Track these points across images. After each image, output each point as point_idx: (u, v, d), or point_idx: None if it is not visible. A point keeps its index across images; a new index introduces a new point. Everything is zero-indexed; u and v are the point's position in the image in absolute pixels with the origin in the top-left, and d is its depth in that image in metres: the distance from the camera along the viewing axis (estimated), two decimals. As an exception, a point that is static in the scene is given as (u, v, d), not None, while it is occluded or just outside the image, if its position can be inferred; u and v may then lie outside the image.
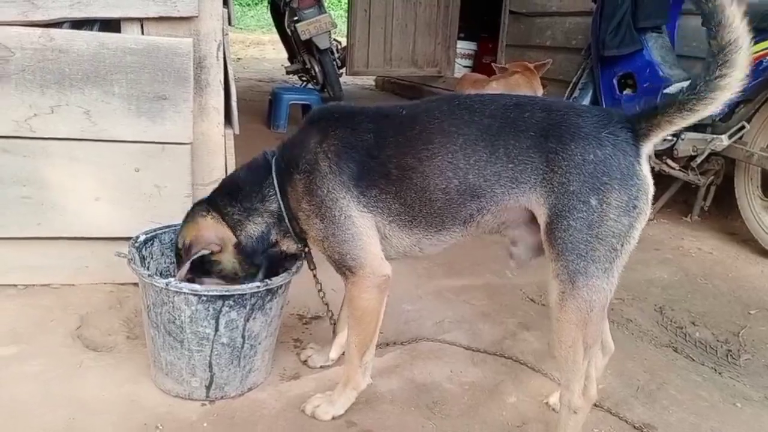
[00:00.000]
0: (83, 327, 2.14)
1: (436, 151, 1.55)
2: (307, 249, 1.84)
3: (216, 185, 1.87)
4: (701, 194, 3.68)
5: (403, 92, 8.38)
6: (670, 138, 3.61)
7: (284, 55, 8.15)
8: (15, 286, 2.31)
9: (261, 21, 14.79)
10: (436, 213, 1.59)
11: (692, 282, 2.94)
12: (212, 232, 1.75)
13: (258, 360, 1.84)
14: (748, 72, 1.34)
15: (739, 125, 3.26)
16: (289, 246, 1.81)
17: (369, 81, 9.32)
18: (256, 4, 15.93)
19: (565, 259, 1.44)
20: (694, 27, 3.68)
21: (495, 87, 4.29)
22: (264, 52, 12.26)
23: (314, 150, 1.64)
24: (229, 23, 2.31)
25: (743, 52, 1.32)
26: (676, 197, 3.88)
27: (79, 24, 2.14)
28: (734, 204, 3.41)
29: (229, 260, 1.79)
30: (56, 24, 2.10)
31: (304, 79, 7.52)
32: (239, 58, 11.27)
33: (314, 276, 1.93)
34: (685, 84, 3.50)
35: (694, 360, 2.26)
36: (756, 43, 3.17)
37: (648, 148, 1.46)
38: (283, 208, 1.72)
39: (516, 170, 1.50)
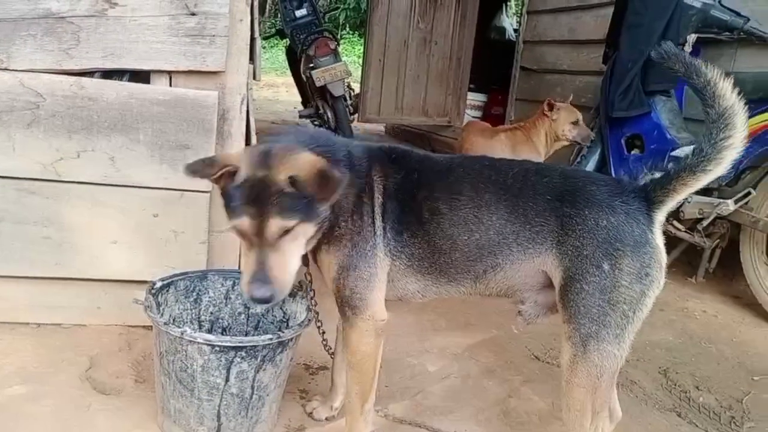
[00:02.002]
0: (93, 369, 2.17)
1: (466, 202, 1.61)
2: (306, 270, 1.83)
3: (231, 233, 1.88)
4: (706, 256, 3.72)
5: (412, 139, 8.50)
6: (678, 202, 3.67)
7: (297, 97, 8.31)
8: (28, 324, 2.35)
9: (275, 63, 15.10)
10: (453, 264, 1.64)
11: (696, 345, 2.95)
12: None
13: (265, 411, 1.86)
14: (747, 131, 1.45)
15: (745, 191, 3.31)
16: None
17: (379, 127, 9.46)
18: (272, 47, 16.28)
19: (578, 323, 1.49)
20: (702, 92, 3.77)
21: (502, 138, 4.40)
22: (278, 94, 12.48)
23: (372, 178, 1.65)
24: (254, 78, 2.39)
25: (740, 115, 1.45)
26: (681, 258, 3.91)
27: (109, 73, 2.23)
28: (739, 267, 3.44)
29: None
30: (88, 73, 2.19)
31: (316, 123, 7.65)
32: (253, 99, 11.46)
33: (317, 322, 1.94)
34: (691, 148, 3.60)
35: (697, 426, 2.26)
36: (762, 112, 3.28)
37: (662, 215, 1.53)
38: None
39: (533, 231, 1.56)
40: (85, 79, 2.16)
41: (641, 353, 2.79)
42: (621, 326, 1.48)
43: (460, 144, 4.58)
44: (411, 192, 1.65)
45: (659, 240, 1.52)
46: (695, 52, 4.09)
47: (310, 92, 7.36)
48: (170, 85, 2.25)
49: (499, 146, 4.28)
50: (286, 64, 8.65)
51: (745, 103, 3.40)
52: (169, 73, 2.24)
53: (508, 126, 4.99)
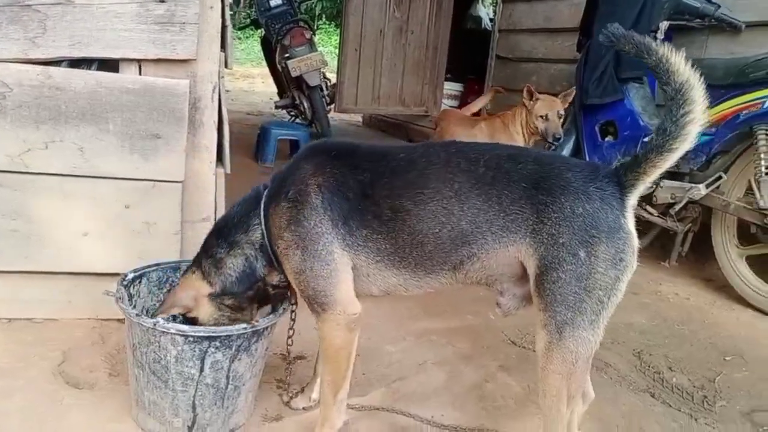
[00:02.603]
0: (65, 363, 2.14)
1: (432, 196, 1.59)
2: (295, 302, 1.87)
3: (204, 222, 1.89)
4: (679, 240, 3.77)
5: (389, 130, 8.50)
6: (649, 185, 3.72)
7: (273, 88, 8.25)
8: (-1, 319, 2.31)
9: (251, 54, 14.96)
10: (427, 256, 1.62)
11: (670, 327, 2.99)
12: (186, 291, 1.78)
13: (241, 401, 1.85)
14: (707, 104, 1.44)
15: (716, 175, 3.36)
16: (274, 279, 1.80)
17: (357, 118, 9.43)
18: (247, 37, 16.13)
19: (553, 310, 1.49)
20: (674, 79, 3.82)
21: (483, 127, 4.39)
22: (253, 85, 12.38)
23: (307, 182, 1.65)
24: (226, 66, 2.37)
25: (697, 88, 1.43)
26: (653, 242, 3.96)
27: (77, 62, 2.19)
28: (711, 251, 3.49)
29: (207, 313, 1.81)
30: (55, 62, 2.14)
31: (292, 114, 7.60)
32: (228, 90, 11.33)
33: (292, 312, 1.94)
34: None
35: (671, 406, 2.30)
36: (733, 97, 3.33)
37: (634, 199, 1.53)
38: (265, 236, 1.72)
39: (507, 219, 1.55)
40: (52, 69, 2.12)
41: (615, 336, 2.83)
42: (596, 312, 1.49)
43: (439, 134, 4.55)
44: (362, 189, 1.64)
45: (631, 225, 1.53)
46: (667, 39, 4.13)
47: (286, 83, 7.30)
48: (140, 74, 2.22)
49: (479, 135, 4.26)
50: (261, 54, 8.57)
51: (716, 89, 3.44)
52: (139, 61, 2.21)
53: (483, 117, 5.00)
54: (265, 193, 1.76)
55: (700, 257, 3.82)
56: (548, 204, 1.51)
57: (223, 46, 2.34)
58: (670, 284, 3.57)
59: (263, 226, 1.73)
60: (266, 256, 1.76)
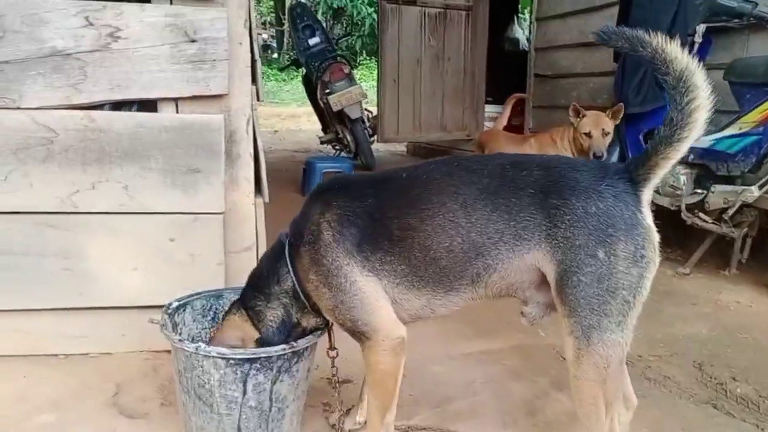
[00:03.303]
0: (119, 394, 2.20)
1: (437, 210, 1.58)
2: (330, 324, 1.88)
3: (247, 252, 1.94)
4: (737, 247, 3.62)
5: (433, 156, 8.52)
6: (700, 191, 3.61)
7: (318, 126, 8.43)
8: (56, 356, 2.40)
9: (295, 95, 15.34)
10: (443, 272, 1.61)
11: (731, 336, 2.86)
12: (233, 332, 1.81)
13: (286, 424, 1.86)
14: (710, 89, 1.41)
15: (769, 176, 3.24)
16: (310, 322, 1.84)
17: (401, 147, 9.51)
18: (292, 79, 16.58)
19: (578, 315, 1.44)
20: (716, 81, 3.72)
21: (532, 144, 4.37)
22: (299, 124, 12.66)
23: (317, 221, 1.69)
24: (258, 99, 2.44)
25: (698, 73, 1.40)
26: (713, 251, 3.82)
27: (118, 105, 2.30)
28: (772, 255, 3.35)
29: None
30: (98, 106, 2.26)
31: (337, 148, 7.75)
32: (276, 131, 11.67)
33: (330, 356, 1.93)
34: (710, 137, 3.53)
35: (734, 417, 2.19)
36: (774, 95, 3.21)
37: (648, 194, 1.49)
38: (296, 283, 1.75)
39: (518, 227, 1.52)
40: (94, 112, 2.23)
41: (674, 348, 2.72)
42: (623, 313, 1.44)
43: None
44: (370, 215, 1.65)
45: (649, 219, 1.48)
46: (707, 43, 4.05)
47: (329, 117, 7.47)
48: (177, 112, 2.31)
49: (529, 152, 4.22)
50: (305, 95, 8.78)
51: (760, 87, 3.33)
52: (175, 99, 2.30)
53: (532, 133, 4.98)
54: (286, 241, 1.80)
55: (762, 263, 3.66)
56: (559, 207, 1.48)
57: (254, 79, 2.41)
58: (731, 292, 3.42)
59: (292, 274, 1.76)
60: (300, 302, 1.79)
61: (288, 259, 1.76)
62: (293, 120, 13.25)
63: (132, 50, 2.22)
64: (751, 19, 3.87)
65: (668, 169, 1.47)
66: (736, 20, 3.97)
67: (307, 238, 1.71)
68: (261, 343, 1.79)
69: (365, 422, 2.02)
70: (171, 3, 2.28)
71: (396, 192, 1.67)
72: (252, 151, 2.42)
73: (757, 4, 3.82)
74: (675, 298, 3.34)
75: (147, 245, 2.33)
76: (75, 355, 2.41)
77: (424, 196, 1.61)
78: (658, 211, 3.98)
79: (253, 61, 2.40)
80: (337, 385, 1.95)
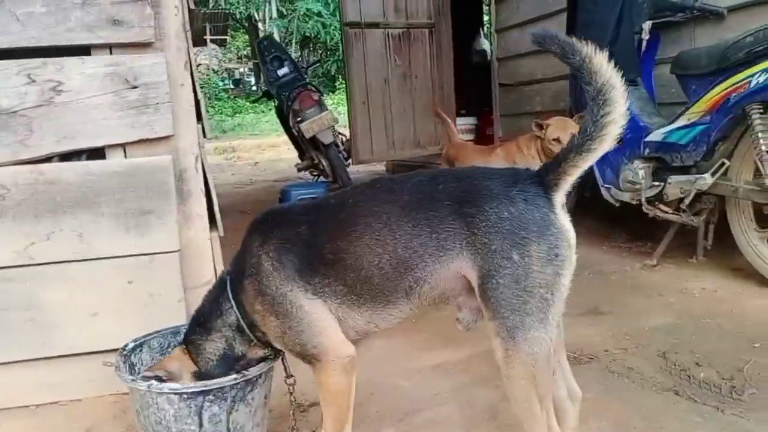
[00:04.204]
0: (89, 439, 2.23)
1: (363, 231, 1.64)
2: (283, 353, 1.93)
3: (206, 286, 1.99)
4: (701, 234, 3.68)
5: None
6: (657, 183, 3.67)
7: (296, 153, 8.51)
8: (27, 407, 2.43)
9: (274, 125, 15.44)
10: (378, 289, 1.66)
11: (696, 323, 2.90)
12: (170, 364, 1.86)
13: (248, 451, 1.89)
14: (626, 105, 1.45)
15: (720, 162, 3.30)
16: (257, 353, 1.89)
17: (380, 167, 9.59)
18: (270, 110, 16.71)
19: (502, 317, 1.49)
20: (671, 76, 3.81)
21: (499, 153, 4.43)
22: (279, 153, 12.74)
23: (257, 253, 1.74)
24: (204, 136, 2.50)
25: (617, 89, 1.44)
26: (681, 241, 3.88)
27: (68, 155, 2.35)
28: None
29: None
30: (47, 159, 2.31)
31: (314, 174, 7.81)
32: (256, 162, 11.75)
33: (287, 383, 1.98)
34: (662, 131, 3.61)
35: (696, 401, 2.22)
36: (720, 83, 3.30)
37: (560, 197, 1.54)
38: (239, 317, 1.80)
39: (440, 238, 1.57)
40: (43, 165, 2.29)
41: (640, 340, 2.76)
42: (543, 310, 1.48)
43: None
44: (304, 241, 1.71)
45: (563, 220, 1.53)
46: (655, 38, 4.15)
47: (303, 145, 7.54)
48: (125, 156, 2.37)
49: (495, 162, 4.28)
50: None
51: (703, 77, 3.40)
52: (123, 145, 2.36)
53: (500, 142, 5.06)
54: (228, 277, 1.85)
55: (727, 248, 3.71)
56: (474, 215, 1.53)
57: (200, 118, 2.48)
58: (697, 280, 3.47)
59: (235, 308, 1.81)
60: (245, 335, 1.84)
61: (230, 294, 1.81)
62: (273, 150, 13.36)
63: (75, 102, 2.28)
64: (695, 11, 3.97)
65: (577, 176, 1.53)
66: (681, 14, 4.08)
67: (249, 271, 1.76)
68: (199, 376, 1.83)
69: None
70: (111, 52, 2.35)
71: (326, 218, 1.73)
72: (203, 187, 2.48)
73: (699, -3, 3.93)
74: (642, 291, 3.39)
75: (106, 290, 2.37)
76: (45, 405, 2.44)
77: (350, 219, 1.67)
78: (626, 207, 4.06)
79: (197, 100, 2.47)
80: (294, 411, 1.99)
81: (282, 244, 1.72)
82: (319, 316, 1.71)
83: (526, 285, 1.48)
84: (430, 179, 1.65)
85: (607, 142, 1.47)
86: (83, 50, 2.33)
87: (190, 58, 2.44)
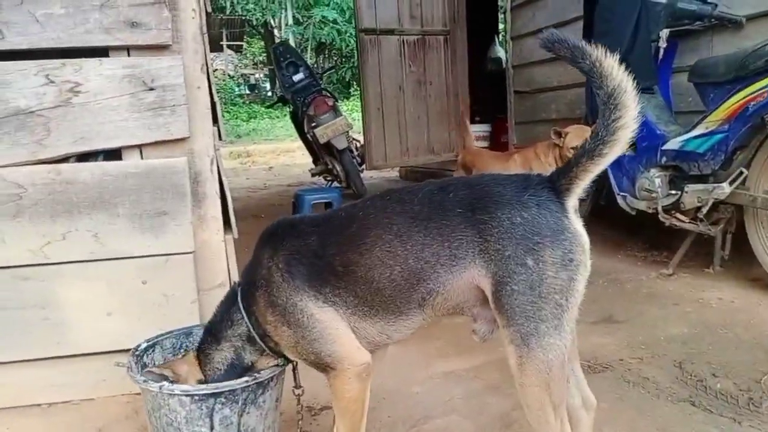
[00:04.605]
0: (101, 439, 2.24)
1: (374, 243, 1.62)
2: (294, 363, 1.92)
3: (220, 288, 1.99)
4: (718, 244, 3.64)
5: (425, 179, 8.58)
6: (675, 192, 3.64)
7: (311, 159, 8.54)
8: (39, 405, 2.44)
9: (289, 131, 15.50)
10: (390, 300, 1.64)
11: (713, 333, 2.87)
12: (178, 367, 1.87)
13: (258, 454, 1.89)
14: (638, 109, 1.44)
15: (738, 171, 3.27)
16: (268, 363, 1.88)
17: (394, 173, 9.59)
18: (284, 115, 16.79)
19: (516, 324, 1.47)
20: (688, 84, 3.78)
21: (516, 159, 4.42)
22: (294, 158, 12.78)
23: (267, 265, 1.74)
24: (219, 138, 2.51)
25: (629, 93, 1.43)
26: (698, 250, 3.84)
27: (85, 155, 2.37)
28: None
29: None
30: (64, 159, 2.33)
31: (328, 179, 7.83)
32: (271, 167, 11.79)
33: (296, 395, 1.97)
34: (679, 139, 3.57)
35: (712, 412, 2.19)
36: (738, 91, 3.27)
37: (573, 202, 1.52)
38: (250, 328, 1.80)
39: (452, 247, 1.55)
40: (60, 165, 2.30)
41: (655, 349, 2.73)
42: (557, 316, 1.46)
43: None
44: (314, 253, 1.70)
45: (576, 224, 1.51)
46: (673, 47, 4.12)
47: (318, 150, 7.57)
48: (141, 158, 2.38)
49: (513, 168, 4.28)
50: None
51: (721, 85, 3.36)
52: (139, 146, 2.38)
53: (515, 150, 5.04)
54: (239, 288, 1.85)
55: (744, 258, 3.67)
56: (487, 222, 1.52)
57: (216, 120, 2.49)
58: (714, 290, 3.43)
59: (246, 319, 1.81)
60: (256, 345, 1.84)
61: (241, 305, 1.81)
62: (288, 155, 13.40)
63: (93, 103, 2.30)
64: (713, 20, 3.94)
65: (588, 181, 1.51)
66: (698, 22, 4.04)
67: (260, 283, 1.75)
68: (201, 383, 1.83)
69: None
70: (128, 54, 2.37)
71: (336, 230, 1.72)
72: (218, 189, 2.49)
73: (716, 5, 3.89)
74: (658, 300, 3.35)
75: (120, 290, 2.38)
76: (57, 404, 2.45)
77: (361, 232, 1.65)
78: (642, 215, 4.03)
79: (213, 103, 2.48)
80: (301, 420, 2.00)
81: (292, 256, 1.72)
82: (332, 324, 1.69)
83: (541, 291, 1.46)
84: (440, 188, 1.63)
85: (618, 147, 1.45)
86: (101, 52, 2.35)
87: (206, 60, 2.45)
